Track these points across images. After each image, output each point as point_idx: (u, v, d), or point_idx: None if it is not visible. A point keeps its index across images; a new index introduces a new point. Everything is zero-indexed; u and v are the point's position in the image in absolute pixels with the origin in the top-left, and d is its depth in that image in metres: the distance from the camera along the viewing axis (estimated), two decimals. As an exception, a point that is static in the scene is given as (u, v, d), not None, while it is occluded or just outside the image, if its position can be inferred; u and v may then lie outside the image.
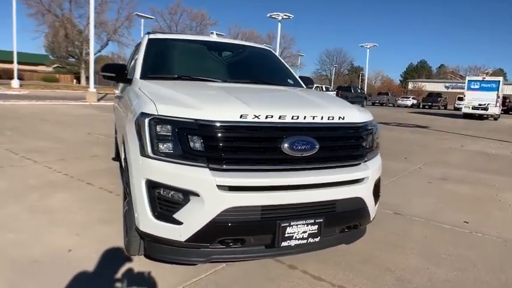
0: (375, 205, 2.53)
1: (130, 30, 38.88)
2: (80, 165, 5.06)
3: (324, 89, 30.86)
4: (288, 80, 3.56)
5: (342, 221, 2.31)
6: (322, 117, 2.24)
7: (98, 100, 18.78)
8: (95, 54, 42.21)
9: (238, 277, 2.38)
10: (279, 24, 41.09)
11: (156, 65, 3.19)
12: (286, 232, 2.08)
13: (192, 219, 1.99)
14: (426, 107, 38.55)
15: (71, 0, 32.52)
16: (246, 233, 2.07)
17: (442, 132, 13.04)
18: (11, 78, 25.63)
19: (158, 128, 2.04)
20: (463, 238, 3.21)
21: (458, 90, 44.08)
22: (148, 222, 2.07)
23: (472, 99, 22.46)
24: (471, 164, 6.93)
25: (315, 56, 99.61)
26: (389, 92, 48.52)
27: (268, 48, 4.06)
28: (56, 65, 49.23)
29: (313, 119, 2.20)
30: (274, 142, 2.07)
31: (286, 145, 2.07)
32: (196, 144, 2.00)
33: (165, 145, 2.03)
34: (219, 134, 2.01)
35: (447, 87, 58.44)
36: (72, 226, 2.99)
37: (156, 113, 2.08)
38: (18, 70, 26.60)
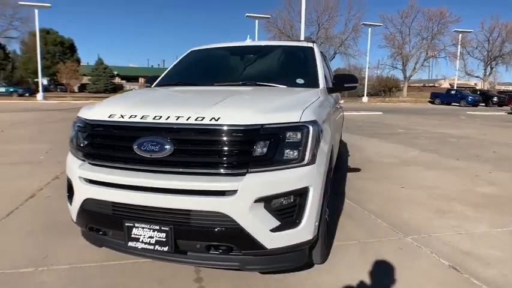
0: (274, 231, 1.99)
1: (356, 41, 39.45)
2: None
3: None
4: (297, 81, 3.11)
5: (202, 237, 1.99)
6: (189, 117, 2.02)
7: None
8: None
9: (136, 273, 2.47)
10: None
11: (170, 74, 3.58)
12: (132, 233, 2.05)
13: (73, 204, 2.31)
14: None
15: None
16: (103, 226, 2.20)
17: None
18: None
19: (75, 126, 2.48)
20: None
21: None
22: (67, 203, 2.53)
23: None
24: None
25: None
26: None
27: (306, 45, 3.61)
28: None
29: (177, 119, 2.04)
30: (128, 141, 2.08)
31: (136, 145, 2.04)
32: (82, 140, 2.31)
33: (73, 140, 2.44)
34: (91, 132, 2.24)
35: None
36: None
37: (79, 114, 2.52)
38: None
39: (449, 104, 34.41)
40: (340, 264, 2.63)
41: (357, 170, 5.83)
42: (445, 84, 62.83)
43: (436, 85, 71.20)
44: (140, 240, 2.04)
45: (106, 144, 2.19)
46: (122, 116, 2.16)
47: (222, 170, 1.97)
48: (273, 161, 1.99)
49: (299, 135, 2.05)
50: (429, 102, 37.03)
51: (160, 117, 2.07)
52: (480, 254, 2.84)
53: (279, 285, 2.37)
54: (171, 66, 3.74)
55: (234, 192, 1.92)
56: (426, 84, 69.37)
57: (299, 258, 2.21)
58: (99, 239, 2.34)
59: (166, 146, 1.99)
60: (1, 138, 8.59)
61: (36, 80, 32.35)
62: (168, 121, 2.04)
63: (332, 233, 3.13)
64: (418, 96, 46.63)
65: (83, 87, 50.01)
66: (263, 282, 2.39)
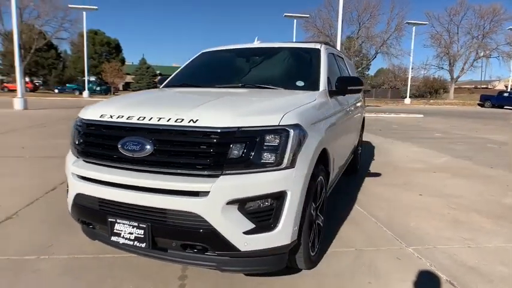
0: (248, 234, 1.99)
1: (399, 40, 37.72)
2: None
3: None
4: (297, 83, 3.07)
5: (177, 236, 2.03)
6: (169, 119, 2.08)
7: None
8: (367, 67, 44.01)
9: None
10: None
11: (178, 75, 3.69)
12: (115, 228, 2.14)
13: (68, 198, 2.45)
14: None
15: (343, 20, 35.99)
16: (92, 220, 2.32)
17: None
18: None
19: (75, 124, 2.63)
20: None
21: None
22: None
23: None
24: None
25: None
26: None
27: (313, 47, 3.53)
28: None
29: (159, 120, 2.10)
30: (114, 140, 2.17)
31: (120, 144, 2.13)
32: (78, 138, 2.44)
33: (72, 138, 2.58)
34: (84, 131, 2.37)
35: None
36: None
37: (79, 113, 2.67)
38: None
39: (501, 107, 32.14)
40: (329, 271, 2.58)
41: (377, 174, 5.64)
42: (500, 86, 58.77)
43: (489, 87, 66.77)
44: (121, 235, 2.13)
45: (96, 142, 2.30)
46: (111, 116, 2.26)
47: (197, 171, 2.01)
48: (248, 163, 1.99)
49: (277, 139, 2.04)
50: (478, 105, 34.81)
51: (144, 118, 2.15)
52: (485, 270, 2.65)
53: (262, 287, 2.37)
54: (182, 66, 3.85)
55: (207, 193, 1.95)
56: (478, 86, 65.30)
57: (277, 262, 2.19)
58: (91, 232, 2.47)
59: (147, 146, 2.06)
60: (43, 133, 9.25)
61: (83, 78, 34.45)
62: (150, 122, 2.11)
63: (330, 239, 3.07)
64: (467, 98, 44.01)
65: (127, 86, 52.47)
66: (248, 283, 2.40)
